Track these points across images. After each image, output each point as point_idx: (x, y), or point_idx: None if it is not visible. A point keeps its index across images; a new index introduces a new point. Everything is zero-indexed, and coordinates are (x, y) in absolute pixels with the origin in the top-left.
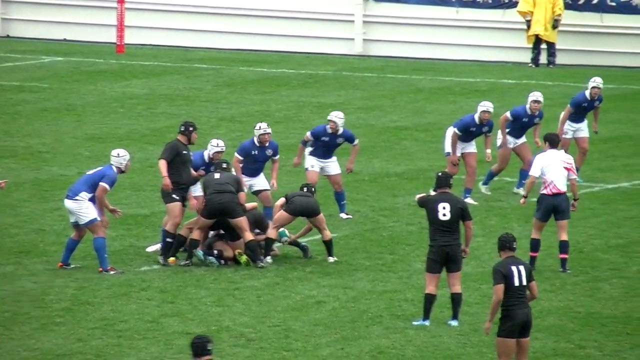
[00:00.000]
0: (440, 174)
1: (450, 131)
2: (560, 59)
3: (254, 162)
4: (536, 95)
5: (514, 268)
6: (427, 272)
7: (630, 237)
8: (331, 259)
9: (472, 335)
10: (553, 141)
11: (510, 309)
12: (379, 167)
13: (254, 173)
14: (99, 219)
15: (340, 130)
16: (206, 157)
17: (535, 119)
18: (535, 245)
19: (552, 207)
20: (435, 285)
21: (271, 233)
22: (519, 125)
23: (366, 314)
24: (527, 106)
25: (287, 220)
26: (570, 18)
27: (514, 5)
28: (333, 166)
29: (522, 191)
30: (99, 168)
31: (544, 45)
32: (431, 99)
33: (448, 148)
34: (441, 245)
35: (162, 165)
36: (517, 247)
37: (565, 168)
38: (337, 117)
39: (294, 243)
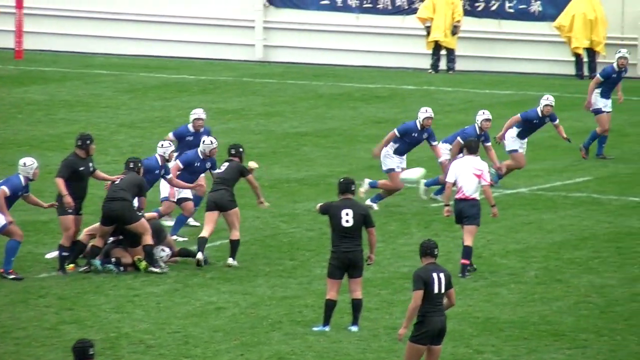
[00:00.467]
0: (342, 180)
1: (391, 141)
2: (459, 65)
3: (193, 173)
4: (549, 100)
5: (434, 275)
6: (329, 278)
7: (528, 242)
8: (231, 261)
9: (372, 341)
10: (471, 148)
11: (427, 316)
12: (279, 173)
13: (189, 182)
14: (6, 222)
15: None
16: (201, 155)
17: (546, 118)
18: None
19: (459, 212)
20: (336, 291)
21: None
22: (529, 127)
23: (266, 320)
24: (539, 109)
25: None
26: (470, 24)
27: (414, 11)
28: None
29: (439, 197)
30: (8, 177)
31: (443, 52)
32: (332, 105)
33: (390, 165)
34: (343, 251)
35: (60, 183)
36: (435, 253)
37: (475, 175)
38: (198, 114)
39: (184, 253)
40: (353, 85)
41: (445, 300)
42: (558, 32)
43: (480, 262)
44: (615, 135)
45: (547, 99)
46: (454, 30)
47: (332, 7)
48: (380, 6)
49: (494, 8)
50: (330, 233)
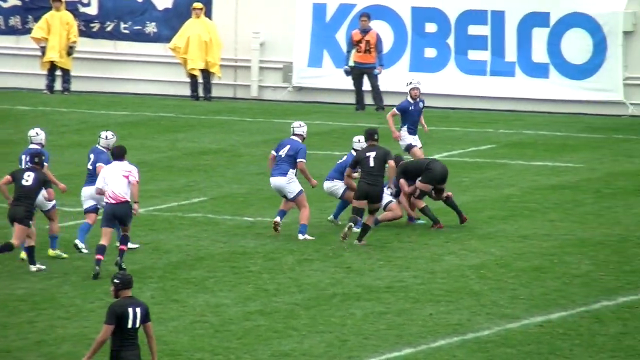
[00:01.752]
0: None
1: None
2: (75, 86)
3: None
4: (414, 82)
5: (130, 310)
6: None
7: (144, 263)
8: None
9: None
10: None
11: (119, 351)
12: None
13: None
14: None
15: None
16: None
17: (420, 102)
18: (100, 249)
19: (113, 214)
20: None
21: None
22: (409, 117)
23: None
24: (408, 96)
25: None
26: (85, 45)
27: (28, 31)
28: None
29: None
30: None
31: (59, 72)
32: None
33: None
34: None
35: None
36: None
37: (125, 176)
38: None
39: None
40: None
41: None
42: (173, 54)
43: (95, 283)
44: (229, 156)
45: (411, 83)
46: (70, 51)
47: None
48: None
49: (109, 29)
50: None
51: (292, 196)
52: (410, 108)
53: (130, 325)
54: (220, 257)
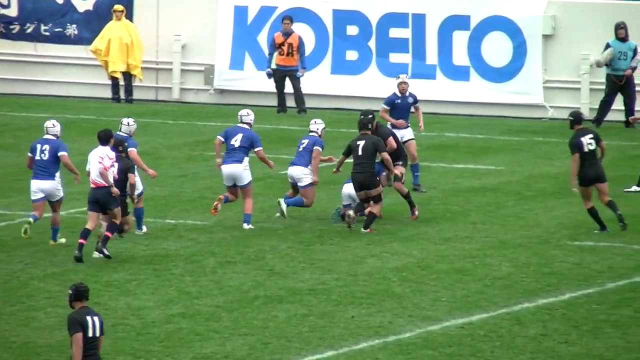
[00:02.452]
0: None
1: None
2: None
3: None
4: (401, 77)
5: (89, 318)
6: None
7: (66, 265)
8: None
9: None
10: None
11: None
12: None
13: None
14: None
15: None
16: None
17: (409, 97)
18: (83, 233)
19: (94, 199)
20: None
21: None
22: (397, 111)
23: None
24: (396, 90)
25: None
26: (5, 47)
27: None
28: None
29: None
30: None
31: None
32: None
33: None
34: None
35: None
36: None
37: (99, 162)
38: None
39: None
40: None
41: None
42: (94, 56)
43: (17, 285)
44: (151, 158)
45: (399, 77)
46: None
47: None
48: None
49: (29, 31)
50: None
51: (244, 183)
52: (397, 101)
53: (90, 334)
54: (142, 259)
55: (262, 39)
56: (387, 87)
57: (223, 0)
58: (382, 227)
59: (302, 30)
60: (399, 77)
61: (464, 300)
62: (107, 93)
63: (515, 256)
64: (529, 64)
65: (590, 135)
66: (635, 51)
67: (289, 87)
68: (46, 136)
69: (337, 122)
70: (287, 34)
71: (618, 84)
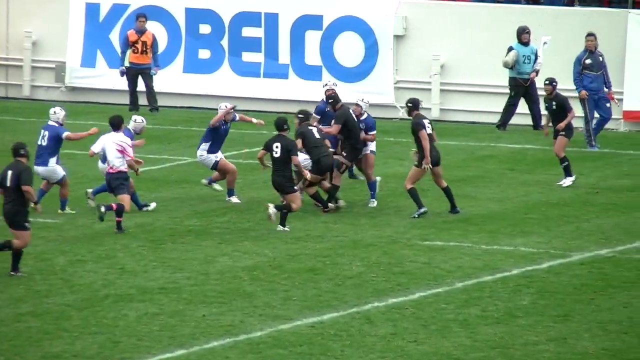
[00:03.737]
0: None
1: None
2: None
3: None
4: (329, 84)
5: None
6: None
7: None
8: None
9: None
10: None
11: None
12: None
13: None
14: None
15: None
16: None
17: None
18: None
19: (108, 183)
20: None
21: None
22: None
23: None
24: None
25: None
26: None
27: None
28: None
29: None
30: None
31: None
32: None
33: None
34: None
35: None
36: None
37: (118, 150)
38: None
39: None
40: None
41: None
42: None
43: None
44: (1, 156)
45: (326, 85)
46: None
47: None
48: None
49: None
50: None
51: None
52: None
53: None
54: None
55: (114, 36)
56: (239, 86)
57: None
58: (234, 226)
59: (154, 29)
60: (326, 85)
61: (315, 299)
62: None
63: (366, 255)
64: (380, 64)
65: (429, 120)
66: (536, 55)
67: (141, 85)
68: (50, 122)
69: (188, 120)
70: (141, 31)
71: (524, 86)
